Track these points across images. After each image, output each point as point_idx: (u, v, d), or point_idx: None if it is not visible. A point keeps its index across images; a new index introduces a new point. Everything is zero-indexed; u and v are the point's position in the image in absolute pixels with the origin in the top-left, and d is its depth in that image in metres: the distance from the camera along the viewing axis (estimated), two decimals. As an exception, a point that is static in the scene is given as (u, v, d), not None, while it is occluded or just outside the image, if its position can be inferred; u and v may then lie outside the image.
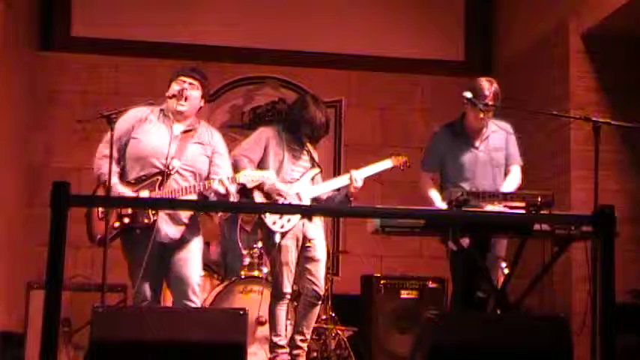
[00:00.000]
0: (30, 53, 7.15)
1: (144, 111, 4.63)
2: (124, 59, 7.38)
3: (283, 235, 4.98)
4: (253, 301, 5.53)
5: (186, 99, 4.58)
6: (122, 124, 4.51)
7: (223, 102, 7.59)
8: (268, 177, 4.76)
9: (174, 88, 4.60)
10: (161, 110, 4.65)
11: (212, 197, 4.54)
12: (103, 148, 4.53)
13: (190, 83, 4.61)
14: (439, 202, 4.76)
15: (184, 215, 4.57)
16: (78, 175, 6.49)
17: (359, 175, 5.11)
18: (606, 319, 2.96)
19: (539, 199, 4.16)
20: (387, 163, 5.27)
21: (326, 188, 5.17)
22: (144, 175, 4.51)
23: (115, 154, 4.46)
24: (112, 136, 4.40)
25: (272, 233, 4.97)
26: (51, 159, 7.14)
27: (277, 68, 7.63)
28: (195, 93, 4.63)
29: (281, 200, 4.96)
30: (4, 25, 6.22)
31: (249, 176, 4.66)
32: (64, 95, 7.27)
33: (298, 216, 4.96)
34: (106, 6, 7.34)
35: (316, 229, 5.11)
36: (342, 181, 5.18)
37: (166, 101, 4.64)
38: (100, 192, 4.51)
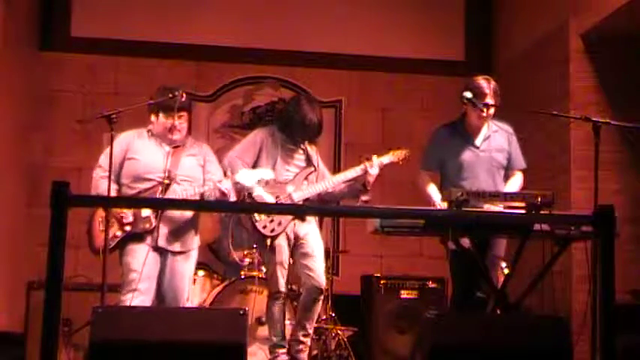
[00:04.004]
0: (30, 53, 7.15)
1: (132, 134, 4.73)
2: (123, 59, 7.37)
3: (275, 237, 4.99)
4: (253, 301, 5.54)
5: (179, 131, 4.69)
6: (116, 148, 4.57)
7: (223, 102, 7.59)
8: (266, 174, 4.80)
9: (164, 121, 4.66)
10: (148, 131, 4.74)
11: (211, 197, 4.62)
12: (100, 171, 4.63)
13: (180, 116, 4.68)
14: (437, 197, 4.75)
15: (184, 224, 4.64)
16: (78, 175, 6.49)
17: (374, 163, 5.09)
18: (606, 319, 2.96)
19: (539, 199, 4.16)
20: (385, 159, 5.25)
21: (330, 183, 5.14)
22: (144, 189, 4.59)
23: (112, 176, 4.52)
24: (112, 136, 4.43)
25: (263, 238, 5.00)
26: (51, 159, 7.14)
27: (277, 68, 7.63)
28: (185, 125, 4.74)
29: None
30: (4, 25, 6.22)
31: (248, 175, 4.74)
32: (64, 95, 7.27)
33: (289, 218, 4.97)
34: (106, 6, 7.34)
35: (308, 226, 5.09)
36: (353, 172, 5.15)
37: (154, 129, 4.72)
38: (99, 211, 4.57)
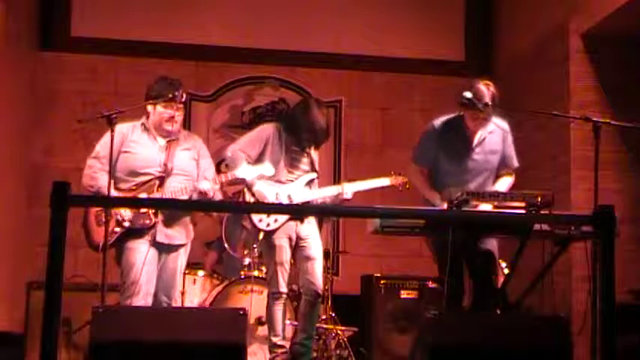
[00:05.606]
0: (30, 53, 7.15)
1: (126, 127, 4.69)
2: (124, 59, 7.38)
3: (269, 233, 4.98)
4: (253, 301, 5.54)
5: (176, 122, 4.72)
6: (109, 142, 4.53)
7: (223, 102, 7.59)
8: (267, 170, 4.82)
9: (162, 111, 4.66)
10: (142, 124, 4.74)
11: (195, 197, 4.64)
12: (95, 163, 4.64)
13: (178, 108, 4.70)
14: (437, 201, 4.69)
15: (181, 218, 4.65)
16: (78, 175, 6.44)
17: (350, 189, 5.11)
18: (606, 319, 2.97)
19: (539, 199, 4.15)
20: (384, 181, 5.24)
21: (315, 195, 5.14)
22: (141, 182, 4.60)
23: (107, 168, 4.52)
24: (112, 137, 4.43)
25: (257, 231, 4.99)
26: (51, 159, 7.14)
27: (277, 68, 7.63)
28: (181, 117, 4.77)
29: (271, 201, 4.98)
30: (4, 25, 6.22)
31: (248, 170, 4.78)
32: (64, 95, 7.27)
33: (286, 216, 4.96)
34: (106, 6, 7.34)
35: (309, 228, 5.09)
36: (332, 190, 5.17)
37: (152, 119, 4.71)
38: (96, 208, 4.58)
